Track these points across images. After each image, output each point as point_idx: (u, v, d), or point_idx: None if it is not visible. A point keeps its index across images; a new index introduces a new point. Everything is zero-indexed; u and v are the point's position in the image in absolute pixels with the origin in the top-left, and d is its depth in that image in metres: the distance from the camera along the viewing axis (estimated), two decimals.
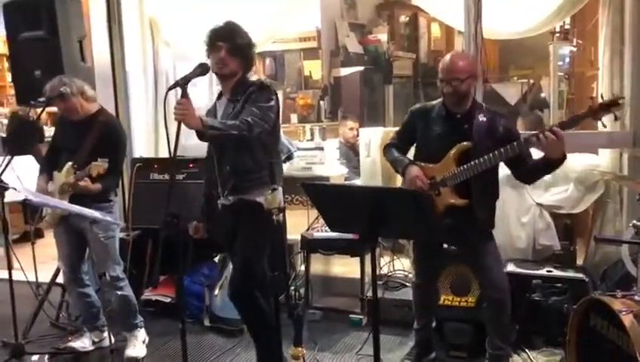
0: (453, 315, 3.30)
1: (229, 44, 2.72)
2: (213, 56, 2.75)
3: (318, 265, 4.11)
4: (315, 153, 4.30)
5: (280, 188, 2.75)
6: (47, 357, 3.36)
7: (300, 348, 2.88)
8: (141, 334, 3.46)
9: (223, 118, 2.74)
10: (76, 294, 3.47)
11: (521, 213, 3.75)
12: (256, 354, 2.97)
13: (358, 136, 4.90)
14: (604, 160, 3.72)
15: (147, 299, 4.03)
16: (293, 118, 6.98)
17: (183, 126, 2.45)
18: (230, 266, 3.29)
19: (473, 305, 3.27)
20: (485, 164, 2.64)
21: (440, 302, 3.33)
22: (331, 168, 4.36)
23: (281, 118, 2.92)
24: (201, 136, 2.75)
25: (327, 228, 3.40)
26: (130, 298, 3.41)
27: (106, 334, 3.46)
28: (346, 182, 4.46)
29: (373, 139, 4.01)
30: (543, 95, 6.99)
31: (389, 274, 3.98)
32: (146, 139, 4.72)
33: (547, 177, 3.66)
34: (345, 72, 6.96)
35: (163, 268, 3.69)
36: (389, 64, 7.30)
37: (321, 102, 7.06)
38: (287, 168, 4.22)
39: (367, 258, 3.28)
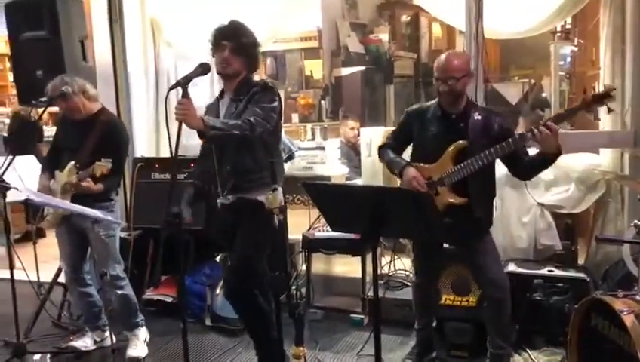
0: (454, 315, 3.30)
1: (234, 43, 2.71)
2: (217, 56, 2.74)
3: (319, 264, 4.11)
4: (316, 153, 4.30)
5: (280, 188, 2.75)
6: (48, 356, 3.36)
7: (301, 348, 2.87)
8: (142, 333, 3.47)
9: (226, 118, 2.73)
10: (78, 294, 3.47)
11: (522, 213, 3.75)
12: (256, 354, 2.98)
13: (359, 135, 4.90)
14: (605, 160, 3.72)
15: (149, 299, 4.03)
16: (295, 117, 6.99)
17: (184, 125, 2.45)
18: None
19: (474, 304, 3.27)
20: (482, 162, 2.65)
21: (441, 302, 3.33)
22: (332, 168, 4.36)
23: (282, 118, 2.92)
24: (202, 135, 2.74)
25: (328, 227, 3.41)
26: (131, 297, 3.42)
27: (107, 334, 3.46)
28: (347, 182, 4.46)
29: (374, 138, 4.01)
30: (544, 95, 6.99)
31: (390, 273, 3.97)
32: (148, 138, 4.73)
33: (548, 177, 3.69)
34: (346, 71, 6.96)
35: (164, 268, 3.71)
36: (390, 64, 7.30)
37: (322, 101, 7.06)
38: (288, 168, 4.23)
39: (369, 257, 3.28)
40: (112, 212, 3.33)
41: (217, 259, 4.19)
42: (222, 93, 2.90)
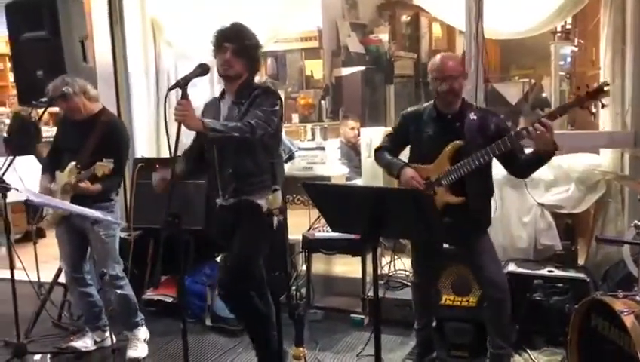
0: (454, 315, 3.30)
1: (235, 45, 2.70)
2: (219, 57, 2.74)
3: (319, 264, 4.11)
4: (317, 153, 4.30)
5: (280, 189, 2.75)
6: (49, 356, 3.36)
7: (301, 348, 2.87)
8: (142, 332, 3.47)
9: (227, 117, 2.73)
10: (78, 294, 3.47)
11: (523, 213, 3.75)
12: (256, 354, 2.97)
13: (359, 135, 4.91)
14: (605, 160, 3.72)
15: (149, 299, 4.03)
16: (295, 117, 6.98)
17: (183, 126, 2.46)
18: None
19: (474, 304, 3.27)
20: (479, 161, 2.67)
21: (441, 302, 3.33)
22: (332, 168, 4.36)
23: (283, 115, 2.92)
24: (201, 136, 2.74)
25: (328, 227, 3.40)
26: (130, 297, 3.42)
27: (107, 334, 3.46)
28: (347, 182, 4.46)
29: (374, 138, 4.01)
30: (544, 95, 6.98)
31: (390, 273, 3.97)
32: (148, 139, 4.73)
33: (548, 177, 3.69)
34: (346, 71, 6.96)
35: (164, 268, 3.71)
36: (391, 64, 7.30)
37: (323, 101, 7.06)
38: (288, 168, 4.23)
39: (369, 257, 3.28)
40: (112, 212, 3.33)
41: (217, 259, 4.19)
42: (223, 93, 2.89)
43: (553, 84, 5.91)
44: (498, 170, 2.98)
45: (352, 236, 3.40)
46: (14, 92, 6.59)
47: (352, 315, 3.77)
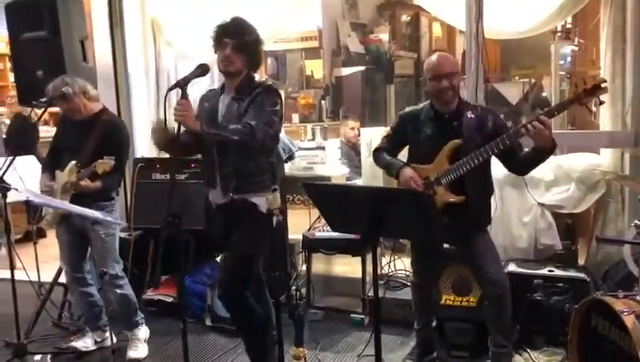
0: (454, 315, 3.29)
1: (235, 40, 2.66)
2: (219, 53, 2.71)
3: (319, 264, 4.11)
4: (317, 153, 4.30)
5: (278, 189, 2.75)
6: (49, 356, 3.37)
7: (301, 349, 2.87)
8: (142, 332, 3.47)
9: (226, 116, 2.72)
10: (78, 294, 3.47)
11: (523, 213, 3.74)
12: (249, 357, 2.96)
13: (359, 135, 4.90)
14: (605, 159, 3.71)
15: (149, 299, 4.03)
16: (295, 117, 6.98)
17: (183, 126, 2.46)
18: None
19: (475, 304, 3.26)
20: (478, 159, 2.67)
21: (442, 302, 3.33)
22: (333, 168, 4.36)
23: (283, 114, 2.91)
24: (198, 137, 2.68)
25: (328, 227, 3.41)
26: (130, 296, 3.42)
27: (107, 334, 3.45)
28: (348, 182, 4.46)
29: (374, 138, 4.00)
30: (544, 94, 6.98)
31: (391, 273, 3.97)
32: (148, 138, 4.69)
33: (549, 177, 3.69)
34: (346, 71, 6.96)
35: (165, 268, 3.70)
36: (391, 64, 7.30)
37: (323, 101, 7.06)
38: (288, 168, 4.23)
39: (369, 257, 3.28)
40: (112, 211, 3.33)
41: (218, 259, 4.19)
42: (223, 86, 2.84)
43: (553, 83, 5.90)
44: (498, 170, 2.98)
45: (352, 236, 3.40)
46: (13, 92, 6.62)
47: (352, 315, 3.77)
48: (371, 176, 4.08)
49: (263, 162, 2.72)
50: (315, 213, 3.81)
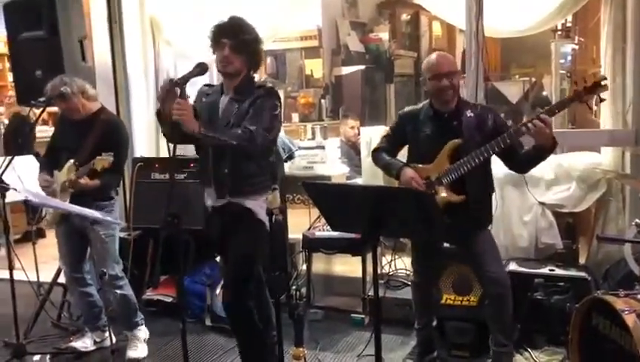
0: (455, 314, 3.29)
1: (233, 40, 2.61)
2: (217, 53, 2.67)
3: (319, 264, 4.10)
4: (317, 152, 4.29)
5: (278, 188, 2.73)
6: (48, 357, 3.36)
7: (301, 349, 2.87)
8: (142, 332, 3.46)
9: (225, 117, 2.67)
10: (78, 294, 3.47)
11: (524, 212, 3.74)
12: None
13: (359, 134, 4.90)
14: (606, 158, 3.70)
15: (148, 299, 4.03)
16: (295, 117, 6.98)
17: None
18: None
19: (475, 304, 3.26)
20: (478, 158, 2.67)
21: (442, 302, 3.33)
22: (333, 167, 4.35)
23: (282, 117, 2.89)
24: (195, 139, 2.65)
25: (328, 227, 3.40)
26: (130, 297, 3.41)
27: (107, 334, 3.45)
28: (348, 182, 4.45)
29: (374, 137, 3.99)
30: (544, 93, 6.97)
31: (391, 273, 3.96)
32: (147, 138, 4.72)
33: (549, 176, 3.68)
34: (346, 70, 6.96)
35: (164, 268, 3.70)
36: (391, 63, 7.30)
37: (323, 100, 7.05)
38: (288, 167, 4.23)
39: (369, 257, 3.27)
40: (112, 211, 3.32)
41: (217, 259, 4.18)
42: (222, 86, 2.80)
43: (554, 82, 5.89)
44: (498, 169, 2.98)
45: (353, 235, 3.40)
46: (11, 92, 6.61)
47: (352, 315, 3.77)
48: (371, 175, 4.06)
49: (262, 162, 2.70)
50: (315, 212, 3.80)
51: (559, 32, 6.00)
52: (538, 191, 3.72)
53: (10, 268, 3.02)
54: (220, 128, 2.62)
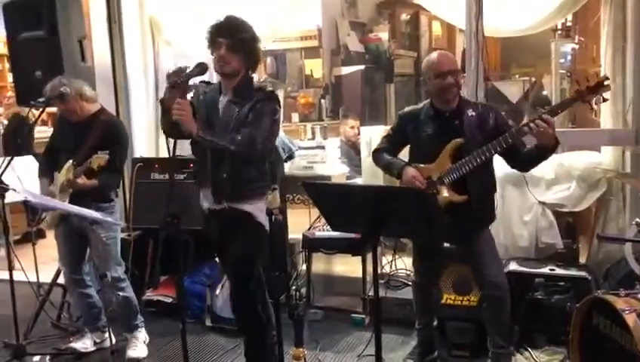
0: (455, 314, 3.28)
1: (230, 40, 2.57)
2: (214, 54, 2.63)
3: (319, 264, 4.10)
4: (317, 152, 4.28)
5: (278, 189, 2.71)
6: (48, 357, 3.36)
7: (300, 349, 2.86)
8: (142, 334, 3.46)
9: (225, 120, 2.63)
10: (77, 295, 3.46)
11: (524, 212, 3.74)
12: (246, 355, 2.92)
13: (359, 134, 4.89)
14: (606, 157, 3.70)
15: (148, 299, 4.02)
16: (295, 117, 6.98)
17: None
18: None
19: (475, 304, 3.25)
20: (481, 158, 2.66)
21: (442, 301, 3.32)
22: (333, 167, 4.35)
23: (282, 117, 2.88)
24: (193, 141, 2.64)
25: (328, 227, 3.39)
26: (132, 299, 3.41)
27: (107, 335, 3.45)
28: (348, 181, 4.45)
29: (374, 137, 3.99)
30: (544, 93, 6.96)
31: (391, 273, 3.96)
32: (147, 138, 4.72)
33: (549, 175, 3.68)
34: (346, 70, 6.96)
35: (164, 268, 3.70)
36: (390, 62, 7.30)
37: (322, 100, 7.05)
38: (288, 167, 4.22)
39: (369, 257, 3.26)
40: (112, 213, 3.32)
41: (217, 259, 4.18)
42: (220, 86, 2.76)
43: (554, 82, 5.89)
44: (499, 168, 2.97)
45: (353, 235, 3.40)
46: (10, 93, 6.61)
47: (352, 315, 3.76)
48: (371, 175, 4.06)
49: (263, 168, 2.67)
50: (315, 212, 3.80)
51: (559, 32, 6.00)
52: (538, 191, 3.71)
53: (10, 269, 3.02)
54: (220, 133, 2.57)
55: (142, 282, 4.04)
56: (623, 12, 3.49)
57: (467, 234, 2.79)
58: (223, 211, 2.68)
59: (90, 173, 3.12)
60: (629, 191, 3.58)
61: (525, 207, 3.73)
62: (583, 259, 3.72)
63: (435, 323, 3.20)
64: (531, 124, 2.52)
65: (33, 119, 4.96)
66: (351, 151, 5.16)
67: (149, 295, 4.05)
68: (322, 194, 2.41)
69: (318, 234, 3.85)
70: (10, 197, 3.05)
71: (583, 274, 3.24)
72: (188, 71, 2.48)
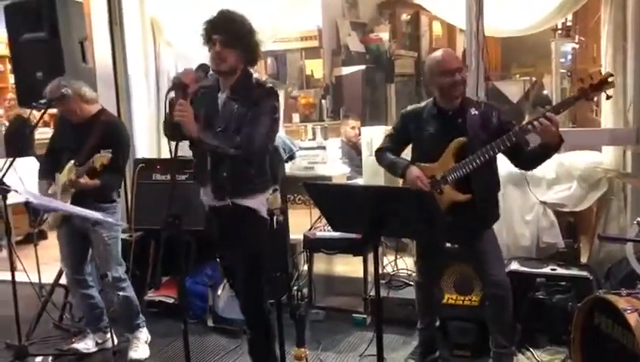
0: (457, 314, 3.28)
1: (224, 35, 2.48)
2: (211, 51, 2.56)
3: (320, 264, 4.10)
4: (317, 152, 4.29)
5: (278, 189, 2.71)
6: (50, 358, 3.36)
7: (302, 349, 2.87)
8: (143, 334, 3.46)
9: (224, 118, 2.59)
10: (79, 295, 3.47)
11: (525, 211, 3.74)
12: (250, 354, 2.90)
13: (360, 135, 4.90)
14: (607, 157, 3.70)
15: (150, 300, 4.02)
16: (295, 117, 6.98)
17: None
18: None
19: (477, 303, 3.25)
20: (484, 156, 2.65)
21: (444, 301, 3.32)
22: (333, 167, 4.35)
23: (282, 117, 2.87)
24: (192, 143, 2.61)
25: (329, 227, 3.40)
26: (132, 298, 3.41)
27: (109, 335, 3.45)
28: (348, 182, 4.45)
29: (375, 137, 4.00)
30: (545, 92, 6.96)
31: (393, 273, 3.96)
32: (149, 139, 4.72)
33: (550, 175, 3.68)
34: (346, 70, 6.96)
35: (166, 269, 3.70)
36: (391, 63, 7.30)
37: (323, 101, 7.05)
38: (289, 168, 4.23)
39: (370, 257, 3.26)
40: (114, 214, 3.32)
41: (219, 259, 4.18)
42: (218, 84, 2.65)
43: (554, 81, 5.89)
44: (500, 168, 2.96)
45: (354, 236, 3.40)
46: (11, 94, 6.62)
47: (354, 315, 3.76)
48: (372, 175, 4.07)
49: (263, 164, 2.66)
50: (316, 212, 3.80)
51: (559, 32, 5.99)
52: (539, 191, 3.71)
53: (12, 270, 3.02)
54: (219, 134, 2.54)
55: (143, 282, 4.04)
56: (624, 11, 3.50)
57: (471, 234, 2.79)
58: (225, 208, 2.64)
59: (93, 173, 3.12)
60: (630, 191, 3.58)
61: (526, 206, 3.74)
62: (584, 259, 3.72)
63: (438, 323, 3.20)
64: (535, 122, 2.52)
65: (34, 121, 4.96)
66: (352, 151, 5.16)
67: (151, 295, 4.05)
68: (323, 194, 2.41)
69: (319, 234, 3.86)
70: (12, 199, 3.06)
71: (584, 273, 3.24)
72: (200, 81, 2.46)
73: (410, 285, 3.74)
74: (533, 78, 7.40)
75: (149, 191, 4.17)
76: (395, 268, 4.00)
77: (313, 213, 4.01)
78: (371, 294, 3.73)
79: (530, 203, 3.72)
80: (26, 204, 3.20)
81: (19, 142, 4.99)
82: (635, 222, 2.80)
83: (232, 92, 2.60)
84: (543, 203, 3.70)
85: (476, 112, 2.75)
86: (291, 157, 4.20)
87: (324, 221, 3.78)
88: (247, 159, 2.57)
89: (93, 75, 4.15)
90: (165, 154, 4.58)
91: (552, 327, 3.16)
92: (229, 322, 3.68)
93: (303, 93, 7.23)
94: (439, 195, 2.75)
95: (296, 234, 4.08)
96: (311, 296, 3.94)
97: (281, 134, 4.15)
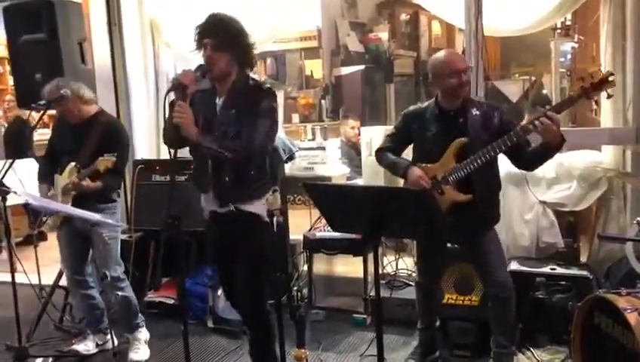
0: (457, 314, 3.29)
1: (215, 39, 2.46)
2: (202, 56, 2.54)
3: (320, 264, 4.11)
4: (317, 153, 4.29)
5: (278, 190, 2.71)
6: (50, 360, 3.36)
7: (302, 350, 2.87)
8: (143, 334, 3.46)
9: (223, 122, 2.57)
10: (80, 296, 3.47)
11: (525, 211, 3.74)
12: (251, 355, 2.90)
13: (359, 135, 4.90)
14: (607, 156, 3.70)
15: (150, 301, 4.02)
16: (295, 117, 6.98)
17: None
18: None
19: (477, 303, 3.26)
20: (485, 157, 2.65)
21: (444, 301, 3.32)
22: (333, 168, 4.35)
23: (282, 118, 2.87)
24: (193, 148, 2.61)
25: (329, 227, 3.40)
26: (131, 298, 3.41)
27: (109, 337, 3.45)
28: (348, 182, 4.45)
29: (374, 138, 4.00)
30: (544, 92, 6.96)
31: (393, 273, 3.96)
32: (148, 140, 4.72)
33: (550, 175, 3.68)
34: (346, 70, 6.96)
35: (166, 270, 3.69)
36: (390, 62, 7.30)
37: (323, 101, 7.05)
38: (288, 168, 4.23)
39: (370, 257, 3.26)
40: (114, 214, 3.32)
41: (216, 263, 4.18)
42: (214, 88, 2.63)
43: (554, 81, 5.88)
44: (500, 168, 2.97)
45: (354, 236, 3.40)
46: (9, 96, 6.62)
47: (354, 315, 3.76)
48: (372, 175, 4.07)
49: (263, 164, 2.65)
50: (316, 213, 3.80)
51: (559, 31, 5.99)
52: (539, 190, 3.71)
53: (12, 271, 3.02)
54: (218, 137, 2.52)
55: (143, 283, 4.04)
56: (623, 11, 3.49)
57: (473, 234, 2.79)
58: (229, 214, 2.62)
59: (95, 175, 3.12)
60: (629, 191, 3.58)
61: (526, 206, 3.74)
62: (584, 258, 3.72)
63: (438, 323, 3.20)
64: (536, 122, 2.51)
65: (33, 122, 4.96)
66: (351, 151, 5.16)
67: (151, 296, 4.05)
68: (323, 194, 2.41)
69: (319, 234, 3.86)
70: (11, 200, 3.06)
71: (584, 273, 3.24)
72: (200, 84, 2.45)
73: (411, 285, 3.74)
74: (533, 78, 7.40)
75: (149, 192, 4.17)
76: (395, 269, 3.99)
77: (313, 213, 4.01)
78: (371, 294, 3.73)
79: (530, 202, 3.72)
80: (26, 205, 3.19)
81: (17, 144, 4.99)
82: (634, 222, 2.80)
83: (229, 96, 2.58)
84: (543, 202, 3.70)
85: (477, 112, 2.75)
86: (291, 158, 4.20)
87: (324, 221, 3.78)
88: (247, 162, 2.56)
89: (93, 76, 4.15)
90: (165, 155, 4.57)
91: (552, 327, 3.16)
92: (229, 323, 3.68)
93: (303, 93, 7.23)
94: (440, 196, 2.74)
95: (296, 234, 4.08)
96: (311, 296, 3.94)
97: (281, 135, 4.15)
